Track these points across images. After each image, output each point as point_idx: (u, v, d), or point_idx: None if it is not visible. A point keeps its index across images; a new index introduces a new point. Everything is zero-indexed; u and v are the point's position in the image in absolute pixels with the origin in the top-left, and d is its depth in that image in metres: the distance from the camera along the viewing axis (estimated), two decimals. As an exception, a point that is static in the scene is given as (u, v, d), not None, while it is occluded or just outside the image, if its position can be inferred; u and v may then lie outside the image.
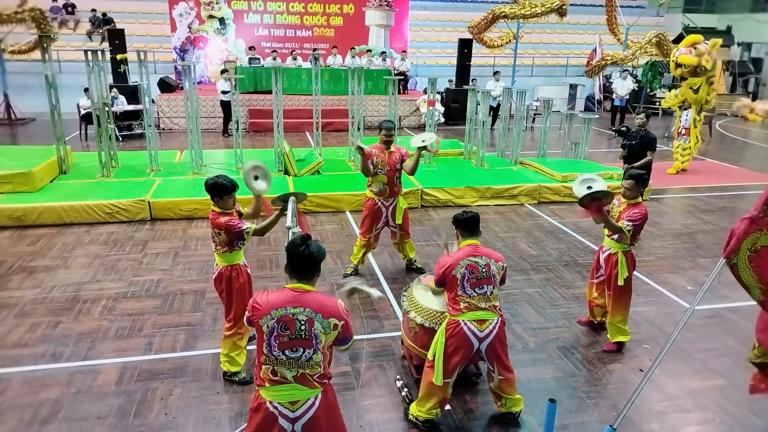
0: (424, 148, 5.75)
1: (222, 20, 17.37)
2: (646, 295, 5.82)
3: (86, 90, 10.37)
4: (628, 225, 4.36)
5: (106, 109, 8.93)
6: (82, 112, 12.67)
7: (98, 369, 4.32)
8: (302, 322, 2.61)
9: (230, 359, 4.14)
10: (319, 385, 2.69)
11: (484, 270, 3.53)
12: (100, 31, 18.16)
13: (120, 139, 12.30)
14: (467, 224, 3.68)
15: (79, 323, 4.99)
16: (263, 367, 2.67)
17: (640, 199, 4.57)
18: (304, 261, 2.69)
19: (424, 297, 4.11)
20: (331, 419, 2.77)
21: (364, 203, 6.01)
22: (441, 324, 3.78)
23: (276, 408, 2.65)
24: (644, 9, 25.42)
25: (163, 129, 14.74)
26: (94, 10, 18.70)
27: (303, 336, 2.61)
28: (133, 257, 6.46)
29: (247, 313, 2.74)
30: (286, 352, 2.62)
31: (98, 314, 5.15)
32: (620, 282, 4.54)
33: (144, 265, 6.25)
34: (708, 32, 21.78)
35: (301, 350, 2.62)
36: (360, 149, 5.61)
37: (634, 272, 4.71)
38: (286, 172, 9.21)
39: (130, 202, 7.61)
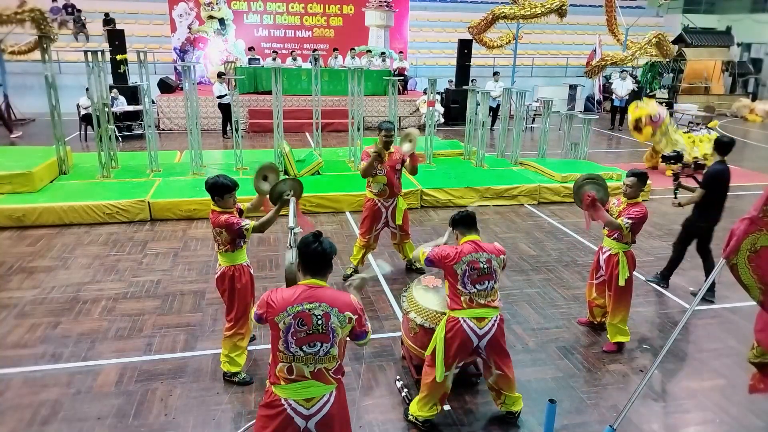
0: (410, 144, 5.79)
1: (222, 21, 17.37)
2: (646, 295, 5.82)
3: (88, 89, 10.35)
4: (626, 222, 4.39)
5: (106, 109, 8.93)
6: (82, 111, 12.66)
7: (98, 369, 4.32)
8: (319, 317, 2.64)
9: (230, 360, 4.14)
10: (333, 381, 2.72)
11: (485, 266, 3.54)
12: (82, 25, 18.27)
13: (120, 139, 12.30)
14: (464, 221, 3.68)
15: (78, 324, 4.98)
16: (279, 365, 2.69)
17: (640, 199, 4.58)
18: (316, 258, 2.74)
19: (423, 297, 4.11)
20: (343, 416, 2.81)
21: (363, 204, 6.00)
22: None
23: (290, 405, 2.67)
24: (644, 9, 25.42)
25: (163, 129, 14.74)
26: (71, 11, 18.76)
27: (320, 330, 2.65)
28: (132, 258, 6.46)
29: (257, 310, 2.75)
30: (304, 347, 2.65)
31: (98, 315, 5.15)
32: (621, 282, 4.54)
33: (144, 266, 6.25)
34: (708, 33, 21.84)
35: (319, 345, 2.65)
36: (380, 157, 5.61)
37: (634, 272, 4.71)
38: (286, 173, 9.21)
39: (129, 202, 7.61)
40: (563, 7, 14.80)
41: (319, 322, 2.64)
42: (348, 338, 2.82)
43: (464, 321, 3.51)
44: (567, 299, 5.69)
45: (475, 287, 3.52)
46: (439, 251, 3.59)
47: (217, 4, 17.18)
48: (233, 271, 4.07)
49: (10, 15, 11.53)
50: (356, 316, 2.74)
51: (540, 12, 14.72)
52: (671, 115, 13.90)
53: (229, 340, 4.12)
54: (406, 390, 4.09)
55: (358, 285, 3.01)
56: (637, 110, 10.84)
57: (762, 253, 3.34)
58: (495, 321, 3.57)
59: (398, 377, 4.27)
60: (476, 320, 3.52)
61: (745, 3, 26.91)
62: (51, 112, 8.57)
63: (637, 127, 10.83)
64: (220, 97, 13.48)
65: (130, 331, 4.88)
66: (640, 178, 4.52)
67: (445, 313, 3.81)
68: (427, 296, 4.10)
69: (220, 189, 3.90)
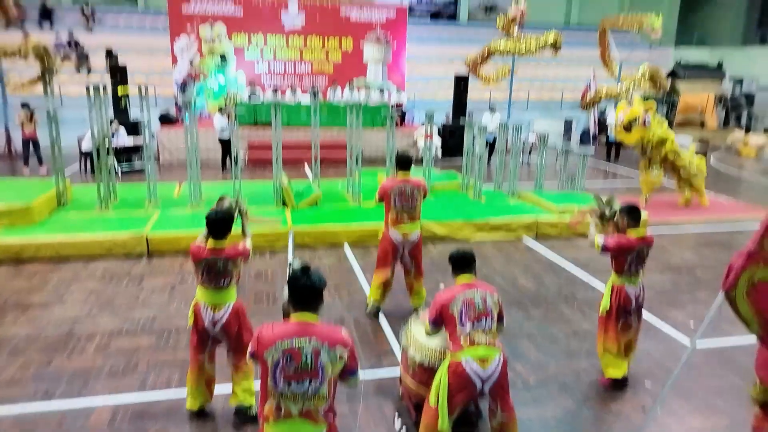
0: None
1: (223, 56, 17.65)
2: (647, 330, 5.75)
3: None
4: (600, 241, 4.49)
5: (107, 142, 8.99)
6: (84, 147, 12.74)
7: (91, 409, 4.23)
8: (308, 354, 2.60)
9: (252, 393, 4.08)
10: (324, 421, 2.66)
11: (481, 304, 3.53)
12: (85, 59, 18.70)
13: (119, 173, 12.34)
14: (460, 261, 3.72)
15: (72, 361, 4.91)
16: (267, 402, 2.65)
17: (632, 234, 4.54)
18: (306, 291, 2.71)
19: (423, 333, 4.06)
20: None
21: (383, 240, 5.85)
22: (440, 363, 3.73)
23: None
24: (636, 44, 25.92)
25: (163, 163, 14.81)
26: (74, 46, 19.17)
27: (309, 367, 2.60)
28: (129, 292, 6.41)
29: (250, 348, 2.72)
30: (292, 384, 2.60)
31: (92, 351, 5.08)
32: (600, 311, 4.62)
33: (140, 301, 6.20)
34: (700, 67, 22.26)
35: (308, 382, 2.61)
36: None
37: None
38: (285, 205, 9.23)
39: (127, 236, 7.59)
40: (558, 42, 15.11)
41: (308, 358, 2.60)
42: (338, 378, 2.76)
43: (467, 363, 3.43)
44: (567, 335, 5.64)
45: (472, 325, 3.49)
46: (433, 305, 3.65)
47: (218, 38, 17.50)
48: (240, 303, 4.07)
49: (15, 50, 11.71)
50: (348, 351, 2.69)
51: (535, 47, 15.01)
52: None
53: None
54: (404, 429, 4.01)
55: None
56: (631, 109, 10.37)
57: (760, 287, 3.33)
58: (498, 362, 3.49)
59: (397, 414, 4.19)
60: (479, 361, 3.44)
61: (736, 36, 27.51)
62: (51, 144, 8.64)
63: (629, 127, 10.37)
64: (222, 131, 13.56)
65: (125, 369, 4.80)
66: (622, 211, 4.59)
67: (445, 351, 3.76)
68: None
69: (230, 222, 3.96)
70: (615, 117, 10.85)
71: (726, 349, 5.40)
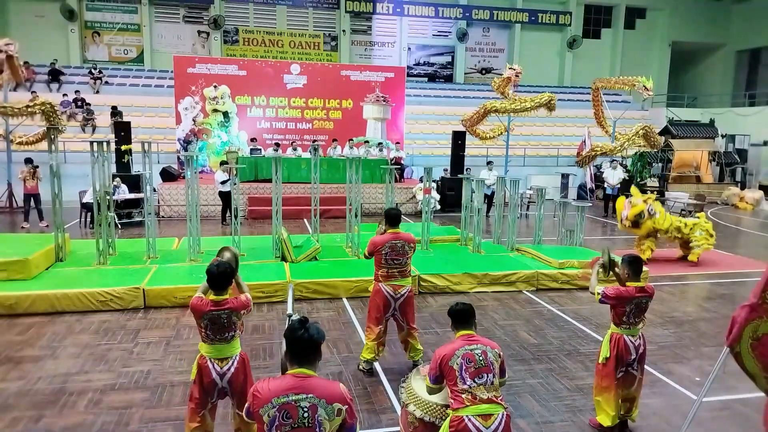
0: None
1: (226, 114, 18.07)
2: (652, 385, 5.63)
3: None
4: (600, 290, 4.54)
5: (108, 197, 9.07)
6: (85, 199, 12.84)
7: (79, 468, 4.08)
8: (305, 409, 2.52)
9: None
10: None
11: (481, 358, 3.46)
12: (89, 118, 19.15)
13: (119, 226, 12.39)
14: (459, 315, 3.68)
15: (62, 417, 4.76)
16: None
17: (631, 284, 4.55)
18: (303, 345, 2.64)
19: (423, 388, 3.96)
20: None
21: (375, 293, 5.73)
22: (442, 418, 3.63)
23: None
24: (629, 104, 26.68)
25: (163, 216, 14.90)
26: (80, 105, 19.64)
27: (306, 424, 2.51)
28: (123, 347, 6.29)
29: (246, 404, 2.64)
30: None
31: (83, 408, 4.93)
32: (599, 359, 4.58)
33: (134, 355, 6.07)
34: (692, 125, 22.78)
35: None
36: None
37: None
38: (284, 259, 9.22)
39: (124, 289, 7.53)
40: (552, 102, 15.52)
41: (305, 414, 2.52)
42: None
43: (469, 420, 3.34)
44: (571, 390, 5.51)
45: (474, 381, 3.41)
46: (433, 361, 3.60)
47: (221, 98, 17.98)
48: (244, 353, 4.03)
49: (22, 108, 11.99)
50: (346, 407, 2.62)
51: (529, 106, 15.38)
52: (663, 203, 14.17)
53: None
54: (405, 490, 3.85)
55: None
56: (633, 206, 10.30)
57: (764, 341, 3.30)
58: (502, 419, 3.39)
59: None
60: (482, 418, 3.35)
61: (725, 99, 28.37)
62: (53, 199, 8.70)
63: (636, 222, 10.35)
64: (223, 183, 13.68)
65: (116, 426, 4.65)
66: (624, 261, 4.64)
67: (446, 406, 3.67)
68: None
69: (232, 271, 3.93)
70: (617, 214, 10.93)
71: (734, 404, 5.27)
